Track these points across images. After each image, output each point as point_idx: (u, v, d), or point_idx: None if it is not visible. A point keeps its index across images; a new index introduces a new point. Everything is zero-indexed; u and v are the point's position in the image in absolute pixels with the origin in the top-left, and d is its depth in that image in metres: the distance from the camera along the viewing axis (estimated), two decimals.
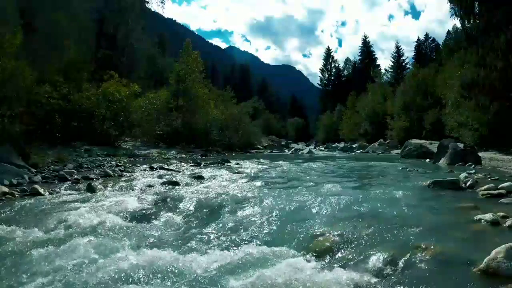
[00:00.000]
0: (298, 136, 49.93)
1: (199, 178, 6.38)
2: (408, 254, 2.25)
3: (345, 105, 43.55)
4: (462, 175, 5.69)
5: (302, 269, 2.16)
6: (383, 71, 45.95)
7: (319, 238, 2.71)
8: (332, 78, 61.52)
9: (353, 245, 2.52)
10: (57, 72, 11.74)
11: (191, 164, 9.46)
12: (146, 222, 3.43)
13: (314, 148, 30.68)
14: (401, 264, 2.15)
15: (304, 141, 42.44)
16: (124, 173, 7.05)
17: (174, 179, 6.02)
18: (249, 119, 26.08)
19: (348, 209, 3.61)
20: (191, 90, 20.39)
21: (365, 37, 58.80)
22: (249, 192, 4.67)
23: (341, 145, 29.92)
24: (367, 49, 57.86)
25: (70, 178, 5.88)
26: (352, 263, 2.27)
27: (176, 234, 3.05)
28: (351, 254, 2.40)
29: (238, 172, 7.66)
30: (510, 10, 12.68)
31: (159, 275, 2.13)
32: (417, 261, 2.16)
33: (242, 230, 3.01)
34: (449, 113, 17.43)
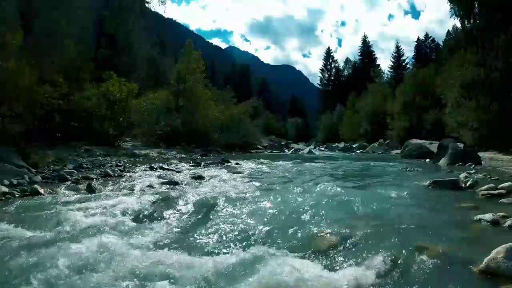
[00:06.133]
0: (298, 136, 49.94)
1: (199, 178, 6.38)
2: (408, 254, 2.25)
3: (345, 105, 43.58)
4: (462, 175, 5.69)
5: (302, 269, 2.16)
6: (383, 71, 46.01)
7: (319, 238, 2.71)
8: (332, 78, 61.58)
9: (353, 245, 2.52)
10: (57, 72, 11.73)
11: (191, 164, 9.46)
12: (146, 222, 3.42)
13: (314, 148, 30.67)
14: (401, 264, 2.15)
15: (304, 141, 42.40)
16: (124, 173, 7.05)
17: (174, 179, 6.03)
18: (249, 119, 26.07)
19: (348, 209, 3.61)
20: (192, 90, 20.41)
21: (365, 37, 58.96)
22: (249, 192, 4.67)
23: (341, 145, 29.88)
24: (367, 49, 57.89)
25: (70, 178, 5.88)
26: (352, 263, 2.27)
27: (176, 234, 3.05)
28: (351, 254, 2.40)
29: (238, 172, 7.66)
30: (510, 10, 12.68)
31: (159, 276, 2.12)
32: (417, 261, 2.16)
33: (242, 230, 3.01)
34: (449, 113, 17.44)
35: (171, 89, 20.79)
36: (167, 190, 5.01)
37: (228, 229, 3.05)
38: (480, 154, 10.06)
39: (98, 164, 8.33)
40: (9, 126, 7.08)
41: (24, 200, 4.22)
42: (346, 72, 61.06)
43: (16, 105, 7.83)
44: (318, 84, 64.97)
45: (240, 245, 2.68)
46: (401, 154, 14.45)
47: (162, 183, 5.60)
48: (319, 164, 10.52)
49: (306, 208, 3.67)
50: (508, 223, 2.78)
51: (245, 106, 26.92)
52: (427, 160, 11.09)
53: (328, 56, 62.86)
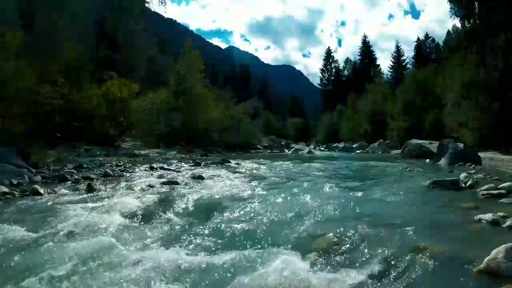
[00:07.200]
0: (298, 136, 49.85)
1: (199, 178, 6.37)
2: (408, 254, 2.25)
3: (345, 105, 43.60)
4: (462, 175, 5.69)
5: (302, 269, 2.16)
6: (383, 71, 46.05)
7: (319, 238, 2.71)
8: (332, 78, 61.61)
9: (353, 245, 2.52)
10: (57, 72, 11.73)
11: (191, 164, 9.46)
12: (146, 222, 3.42)
13: (314, 148, 30.66)
14: (401, 264, 2.15)
15: (304, 141, 42.35)
16: (124, 173, 7.05)
17: (174, 179, 6.02)
18: (249, 119, 26.07)
19: (348, 209, 3.61)
20: (192, 90, 20.40)
21: (365, 37, 58.98)
22: (248, 192, 4.67)
23: (341, 145, 29.84)
24: (367, 49, 57.90)
25: (70, 178, 5.87)
26: (352, 263, 2.27)
27: (175, 234, 3.05)
28: (351, 254, 2.40)
29: (238, 172, 7.66)
30: (510, 10, 12.68)
31: (158, 275, 2.13)
32: (417, 261, 2.16)
33: (241, 230, 3.01)
34: (449, 113, 17.45)
35: (171, 89, 20.78)
36: (167, 190, 5.01)
37: (228, 229, 3.05)
38: (480, 154, 10.06)
39: (98, 164, 8.34)
40: (9, 126, 7.09)
41: (24, 200, 4.21)
42: (346, 72, 61.10)
43: (16, 105, 7.84)
44: (318, 84, 65.06)
45: (240, 245, 2.68)
46: (401, 154, 14.44)
47: (162, 183, 5.60)
48: (319, 164, 10.51)
49: (306, 208, 3.67)
50: (508, 223, 2.78)
51: (245, 106, 26.93)
52: (427, 160, 11.08)
53: (328, 56, 62.93)
